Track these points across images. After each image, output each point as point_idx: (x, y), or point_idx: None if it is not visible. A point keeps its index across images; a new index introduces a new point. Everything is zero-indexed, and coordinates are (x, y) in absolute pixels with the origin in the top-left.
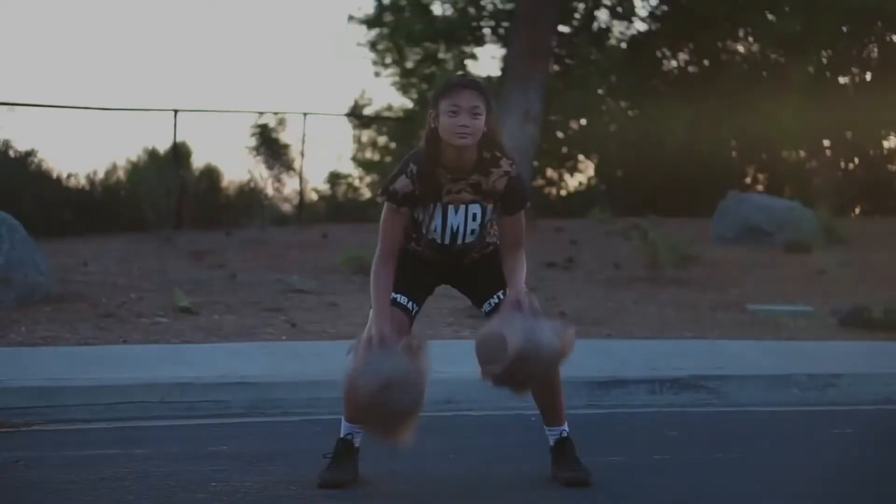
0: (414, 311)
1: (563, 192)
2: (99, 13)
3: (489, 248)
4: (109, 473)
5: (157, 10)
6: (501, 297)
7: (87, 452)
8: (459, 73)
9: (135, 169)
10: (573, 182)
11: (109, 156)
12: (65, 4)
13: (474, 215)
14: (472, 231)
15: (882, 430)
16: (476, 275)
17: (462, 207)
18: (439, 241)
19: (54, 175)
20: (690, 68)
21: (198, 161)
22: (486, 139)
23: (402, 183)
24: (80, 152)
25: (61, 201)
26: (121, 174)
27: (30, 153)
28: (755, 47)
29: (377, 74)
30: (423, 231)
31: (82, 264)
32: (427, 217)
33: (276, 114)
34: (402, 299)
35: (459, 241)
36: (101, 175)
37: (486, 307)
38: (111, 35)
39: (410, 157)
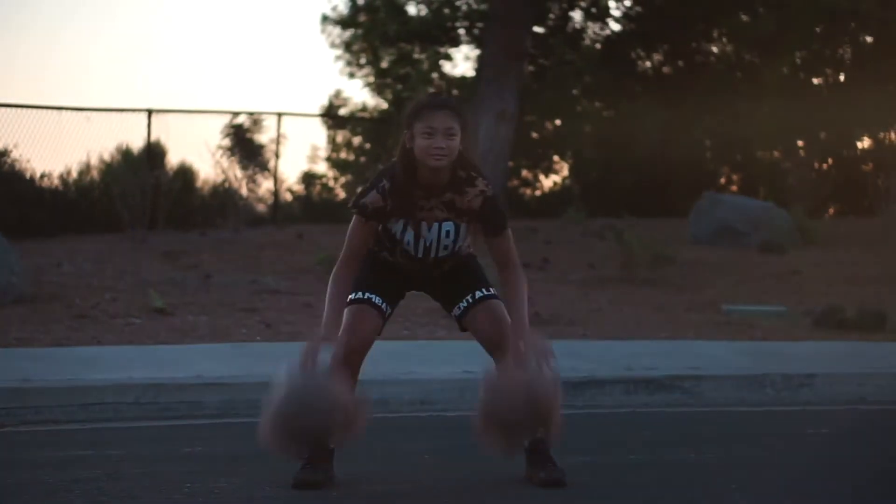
0: (387, 311)
1: (537, 193)
2: (73, 12)
3: (462, 256)
4: (82, 475)
5: (131, 10)
6: (471, 300)
7: (60, 454)
8: (436, 81)
9: (109, 169)
10: (548, 182)
11: (83, 156)
12: (38, 4)
13: (447, 232)
14: (446, 247)
15: (856, 430)
16: (447, 280)
17: (435, 225)
18: (413, 253)
19: (28, 175)
20: (665, 69)
21: (172, 161)
22: (461, 158)
23: (372, 198)
24: (53, 152)
25: (35, 201)
26: (95, 174)
27: (3, 153)
28: (729, 48)
29: (352, 75)
30: (399, 241)
31: (56, 265)
32: (400, 229)
33: (250, 114)
34: (377, 299)
35: (433, 255)
36: (74, 175)
37: (455, 310)
38: (85, 34)
39: (384, 171)
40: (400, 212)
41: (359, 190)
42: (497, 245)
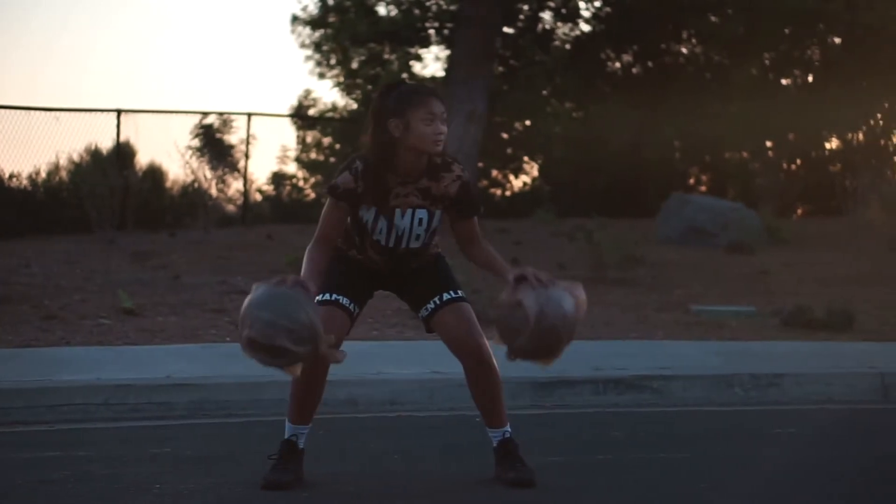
0: (355, 312)
1: (507, 193)
2: (40, 12)
3: (430, 257)
4: (51, 476)
5: (100, 10)
6: (438, 301)
7: (29, 455)
8: (404, 76)
9: (78, 169)
10: (518, 183)
11: (52, 156)
12: (4, 4)
13: (420, 220)
14: (418, 236)
15: (824, 430)
16: (415, 281)
17: (409, 211)
18: (384, 242)
19: None
20: (635, 70)
21: (141, 161)
22: None
23: (344, 178)
24: (22, 153)
25: (3, 202)
26: (64, 175)
27: None
28: (699, 49)
29: (322, 75)
30: (368, 231)
31: (24, 265)
32: (372, 217)
33: (220, 114)
34: (344, 300)
35: (403, 245)
36: (43, 176)
37: (423, 312)
38: (53, 34)
39: (359, 155)
40: (372, 197)
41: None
42: (468, 227)
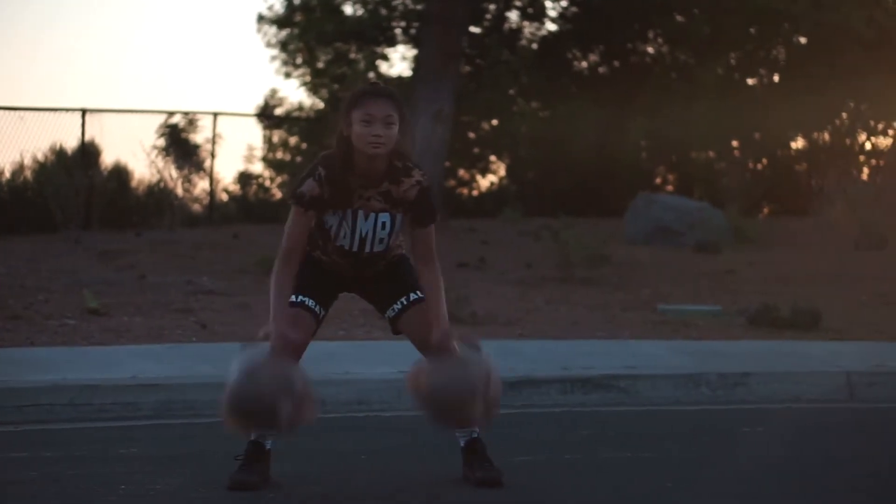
0: (321, 314)
1: (474, 193)
2: (4, 11)
3: (394, 258)
4: (17, 476)
5: (65, 9)
6: (405, 302)
7: None
8: (372, 78)
9: (42, 169)
10: (485, 182)
11: (16, 156)
12: None
13: (384, 224)
14: (381, 240)
15: (790, 428)
16: (380, 282)
17: (372, 215)
18: (347, 247)
19: None
20: (601, 69)
21: (107, 161)
22: (398, 148)
23: (308, 186)
24: None
25: None
26: (28, 174)
27: None
28: (665, 49)
29: (288, 75)
30: (332, 237)
31: None
32: (336, 223)
33: (185, 114)
34: (310, 302)
35: (367, 249)
36: (7, 175)
37: (389, 312)
38: (18, 33)
39: (321, 160)
40: (336, 201)
41: (296, 181)
42: (423, 238)
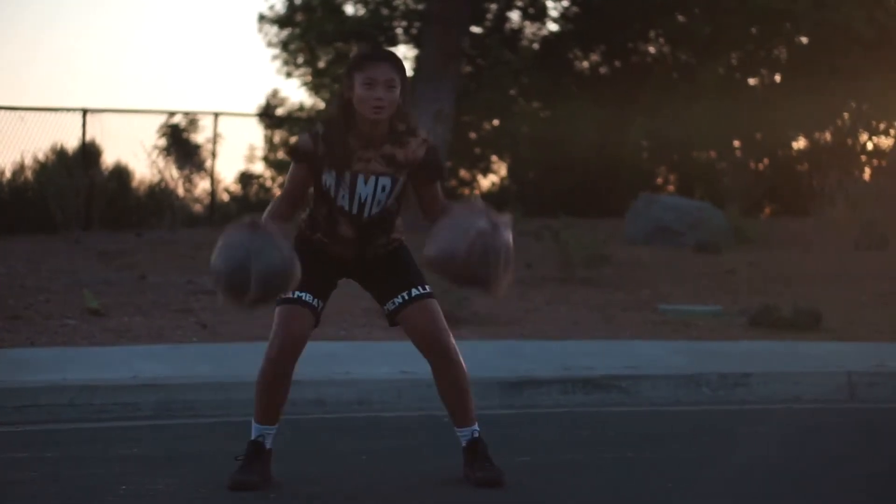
0: (319, 307)
1: (476, 193)
2: (5, 11)
3: (394, 243)
4: (17, 477)
5: (66, 9)
6: (406, 297)
7: None
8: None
9: (43, 169)
10: (486, 182)
11: (17, 156)
12: None
13: (384, 187)
14: (379, 202)
15: (791, 429)
16: (381, 273)
17: (372, 179)
18: (347, 208)
19: None
20: (602, 69)
21: (107, 161)
22: (400, 111)
23: (303, 140)
24: None
25: None
26: (29, 174)
27: None
28: (666, 48)
29: (289, 75)
30: (332, 197)
31: None
32: (334, 183)
33: (186, 114)
34: (308, 297)
35: (366, 213)
36: (8, 175)
37: (389, 306)
38: (19, 33)
39: (323, 117)
40: (333, 160)
41: None
42: (434, 194)
